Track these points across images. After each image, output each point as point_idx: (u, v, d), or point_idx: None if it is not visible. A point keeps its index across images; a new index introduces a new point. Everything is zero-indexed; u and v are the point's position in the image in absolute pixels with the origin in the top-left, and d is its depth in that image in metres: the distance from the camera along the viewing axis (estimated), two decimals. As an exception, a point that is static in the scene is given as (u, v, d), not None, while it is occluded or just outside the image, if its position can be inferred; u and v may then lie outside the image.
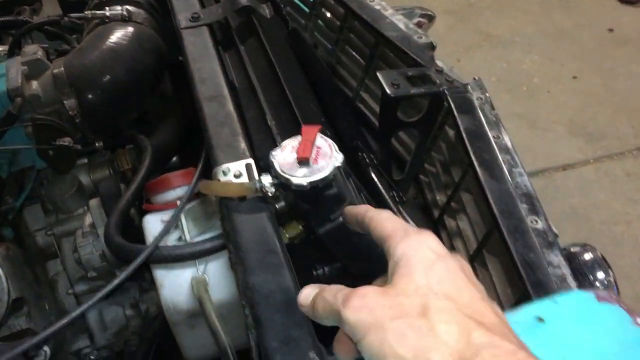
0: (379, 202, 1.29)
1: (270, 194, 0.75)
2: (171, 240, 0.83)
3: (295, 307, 0.66)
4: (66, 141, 1.04)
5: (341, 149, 0.76)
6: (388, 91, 1.41)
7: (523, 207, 1.24)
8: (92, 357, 1.07)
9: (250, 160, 0.80)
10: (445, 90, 1.41)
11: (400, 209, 1.30)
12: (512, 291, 1.19)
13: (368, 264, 0.91)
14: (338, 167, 0.75)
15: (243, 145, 0.85)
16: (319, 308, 0.56)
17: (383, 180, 1.36)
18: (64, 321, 0.75)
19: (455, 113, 1.38)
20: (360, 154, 1.34)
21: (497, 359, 0.45)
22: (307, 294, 0.60)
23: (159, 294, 0.80)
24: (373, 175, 1.33)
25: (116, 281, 0.75)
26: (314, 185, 0.74)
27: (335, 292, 0.55)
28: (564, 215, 2.63)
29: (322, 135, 0.78)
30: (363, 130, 1.58)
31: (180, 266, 0.81)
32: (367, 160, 1.35)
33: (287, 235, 0.84)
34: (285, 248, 0.73)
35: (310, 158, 0.75)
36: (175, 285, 0.80)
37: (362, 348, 0.49)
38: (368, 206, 0.70)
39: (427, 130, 1.58)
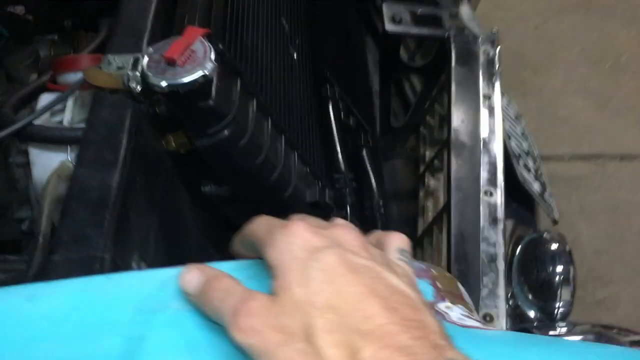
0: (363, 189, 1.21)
1: (135, 91, 0.71)
2: (52, 122, 0.81)
3: (105, 208, 0.63)
4: (18, 10, 1.03)
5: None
6: (386, 26, 1.31)
7: (483, 177, 1.15)
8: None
9: (139, 55, 0.75)
10: (450, 36, 1.29)
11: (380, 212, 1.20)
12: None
13: (257, 193, 0.86)
14: (206, 75, 0.69)
15: (147, 33, 0.81)
16: (205, 309, 0.48)
17: (375, 166, 1.26)
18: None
19: (453, 63, 1.27)
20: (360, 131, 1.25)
21: None
22: (190, 280, 0.49)
23: (31, 171, 0.80)
24: (365, 159, 1.24)
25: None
26: (173, 89, 0.69)
27: (223, 294, 0.47)
28: (604, 207, 2.43)
29: (204, 40, 0.72)
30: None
31: (56, 149, 0.79)
32: (363, 140, 1.26)
33: (173, 144, 0.80)
34: (133, 149, 0.69)
35: (179, 60, 0.70)
36: (46, 166, 0.78)
37: None
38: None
39: (432, 78, 1.47)
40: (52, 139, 0.78)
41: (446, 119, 1.23)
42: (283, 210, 0.87)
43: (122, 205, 0.64)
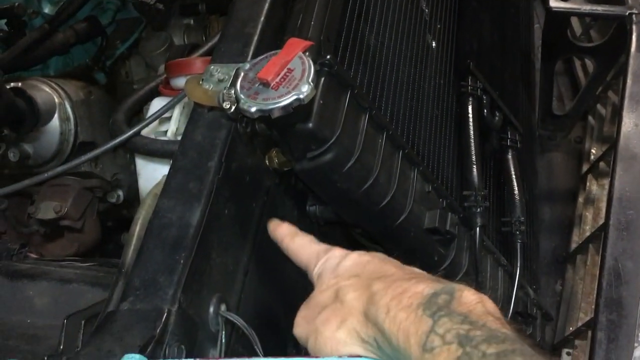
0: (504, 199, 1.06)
1: (228, 112, 0.64)
2: (159, 131, 0.78)
3: (181, 251, 0.58)
4: (150, -2, 1.01)
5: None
6: (550, 2, 1.14)
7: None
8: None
9: (242, 65, 0.68)
10: (634, 16, 1.09)
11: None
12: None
13: (364, 220, 0.77)
14: (301, 99, 0.60)
15: (255, 38, 0.73)
16: None
17: (521, 171, 1.10)
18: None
19: (633, 48, 1.08)
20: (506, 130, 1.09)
21: (386, 291, 0.52)
22: None
23: (138, 182, 0.78)
24: (510, 163, 1.08)
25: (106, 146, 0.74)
26: (263, 115, 0.61)
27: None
28: None
29: (304, 57, 0.63)
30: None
31: (161, 161, 0.76)
32: (509, 140, 1.10)
33: (275, 161, 0.74)
34: (222, 177, 0.63)
35: (272, 81, 0.62)
36: (150, 178, 0.76)
37: (311, 352, 0.57)
38: (288, 230, 0.66)
39: (606, 62, 1.27)
40: (154, 152, 0.75)
41: (617, 119, 1.04)
42: (395, 236, 0.78)
43: (201, 245, 0.59)
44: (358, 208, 0.73)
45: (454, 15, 1.08)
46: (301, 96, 0.60)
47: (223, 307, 0.61)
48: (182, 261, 0.57)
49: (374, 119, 0.74)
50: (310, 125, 0.65)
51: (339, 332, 0.55)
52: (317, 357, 0.56)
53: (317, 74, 0.64)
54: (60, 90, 1.06)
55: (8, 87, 0.97)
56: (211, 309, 0.59)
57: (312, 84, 0.61)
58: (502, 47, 1.23)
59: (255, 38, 0.74)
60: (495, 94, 1.07)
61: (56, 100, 1.05)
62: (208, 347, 0.59)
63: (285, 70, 0.62)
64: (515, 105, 1.17)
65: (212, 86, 0.67)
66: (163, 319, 0.53)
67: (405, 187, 0.78)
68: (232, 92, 0.64)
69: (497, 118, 1.07)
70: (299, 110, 0.62)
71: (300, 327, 0.59)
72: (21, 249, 0.96)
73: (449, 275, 0.87)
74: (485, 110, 1.04)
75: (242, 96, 0.62)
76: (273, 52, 0.65)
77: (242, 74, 0.65)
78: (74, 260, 0.89)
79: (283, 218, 0.75)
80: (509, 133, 1.10)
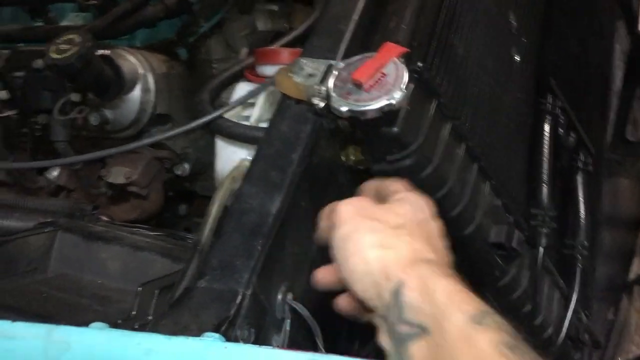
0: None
1: (317, 107, 0.66)
2: (242, 116, 0.80)
3: (259, 237, 0.60)
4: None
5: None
6: (639, 27, 1.12)
7: None
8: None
9: (332, 65, 0.69)
10: None
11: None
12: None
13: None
14: (392, 104, 0.61)
15: (347, 36, 0.75)
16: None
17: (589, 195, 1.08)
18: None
19: None
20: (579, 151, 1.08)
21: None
22: None
23: (215, 162, 0.80)
24: (578, 186, 1.06)
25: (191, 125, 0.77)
26: (353, 115, 0.63)
27: None
28: None
29: (399, 62, 0.64)
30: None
31: (240, 145, 0.78)
32: (582, 162, 1.09)
33: (352, 158, 0.75)
34: (303, 170, 0.65)
35: (366, 83, 0.63)
36: (229, 160, 0.78)
37: (335, 240, 0.57)
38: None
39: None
40: (236, 136, 0.77)
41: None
42: (460, 246, 0.79)
43: (278, 234, 0.61)
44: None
45: (540, 30, 1.07)
46: (393, 102, 0.62)
47: (290, 296, 0.63)
48: (259, 247, 0.59)
49: (456, 130, 0.74)
50: (396, 129, 0.66)
51: (374, 244, 0.55)
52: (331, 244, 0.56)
53: (415, 78, 0.65)
54: (144, 62, 1.10)
55: (97, 54, 1.01)
56: (279, 297, 0.61)
57: (404, 91, 0.62)
58: (584, 65, 1.21)
59: (348, 36, 0.75)
60: (573, 114, 1.06)
61: (140, 71, 1.09)
62: (272, 334, 0.61)
63: (380, 74, 0.63)
64: (589, 126, 1.16)
65: (301, 79, 0.69)
66: (237, 301, 0.55)
67: (476, 199, 0.78)
68: (324, 88, 0.66)
69: (571, 138, 1.06)
70: (388, 115, 0.63)
71: (340, 217, 0.58)
72: (93, 210, 1.00)
73: (508, 291, 0.87)
74: (560, 130, 1.03)
75: (334, 94, 0.64)
76: (369, 54, 0.66)
77: (335, 72, 0.66)
78: (144, 227, 0.92)
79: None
80: (581, 155, 1.08)
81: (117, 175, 1.11)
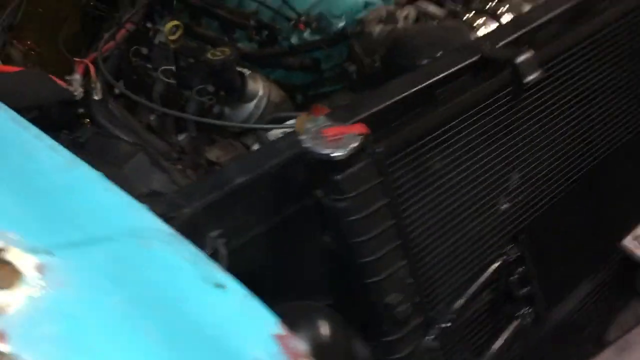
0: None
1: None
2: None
3: (217, 190, 0.95)
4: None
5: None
6: None
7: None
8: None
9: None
10: None
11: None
12: None
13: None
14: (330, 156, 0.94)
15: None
16: None
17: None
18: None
19: None
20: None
21: None
22: None
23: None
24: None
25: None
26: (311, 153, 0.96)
27: None
28: None
29: (358, 136, 0.97)
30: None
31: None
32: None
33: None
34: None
35: (327, 137, 0.96)
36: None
37: None
38: None
39: None
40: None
41: None
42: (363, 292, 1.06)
43: (230, 197, 0.95)
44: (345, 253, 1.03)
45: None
46: (332, 154, 0.94)
47: (221, 240, 0.95)
48: (209, 196, 0.93)
49: (390, 208, 1.03)
50: (338, 177, 0.98)
51: None
52: None
53: (363, 151, 0.96)
54: (266, 89, 1.52)
55: (237, 68, 1.45)
56: (211, 235, 0.94)
57: (344, 153, 0.94)
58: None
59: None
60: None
61: (260, 92, 1.51)
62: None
63: (339, 137, 0.96)
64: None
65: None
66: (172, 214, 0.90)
67: (388, 264, 1.05)
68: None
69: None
70: (333, 164, 0.95)
71: None
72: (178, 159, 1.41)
73: (390, 351, 1.10)
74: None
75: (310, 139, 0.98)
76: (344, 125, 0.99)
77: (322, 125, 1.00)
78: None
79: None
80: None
81: (213, 154, 1.53)
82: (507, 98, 1.21)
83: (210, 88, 1.47)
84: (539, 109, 1.26)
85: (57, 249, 0.63)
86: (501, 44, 1.29)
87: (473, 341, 1.22)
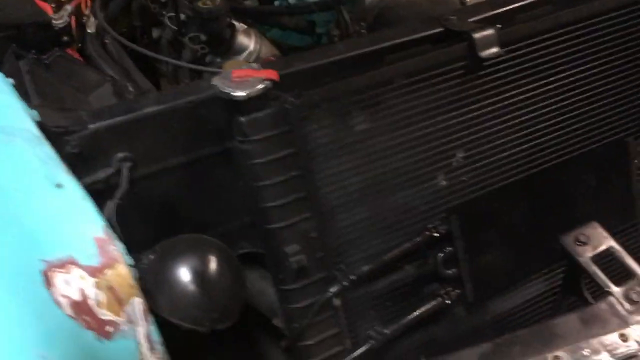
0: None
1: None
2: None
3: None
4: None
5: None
6: None
7: None
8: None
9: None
10: None
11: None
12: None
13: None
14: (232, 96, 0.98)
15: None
16: None
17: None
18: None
19: None
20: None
21: None
22: None
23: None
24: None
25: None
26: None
27: None
28: None
29: (266, 81, 1.00)
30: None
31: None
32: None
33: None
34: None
35: (234, 77, 1.00)
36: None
37: None
38: None
39: None
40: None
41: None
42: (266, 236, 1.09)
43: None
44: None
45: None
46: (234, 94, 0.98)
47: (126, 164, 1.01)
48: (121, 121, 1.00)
49: (296, 159, 1.06)
50: (241, 119, 1.01)
51: None
52: None
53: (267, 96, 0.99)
54: (258, 44, 1.56)
55: (227, 19, 1.50)
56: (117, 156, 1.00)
57: (244, 95, 0.98)
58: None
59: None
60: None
61: (251, 47, 1.56)
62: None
63: (246, 80, 1.00)
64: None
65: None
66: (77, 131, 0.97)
67: (291, 213, 1.08)
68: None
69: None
70: (236, 104, 0.99)
71: None
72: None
73: (289, 300, 1.13)
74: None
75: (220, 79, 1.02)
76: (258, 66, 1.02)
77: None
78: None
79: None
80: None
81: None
82: (460, 72, 1.18)
83: (202, 37, 1.54)
84: (495, 91, 1.22)
85: None
86: (473, 19, 1.26)
87: (389, 311, 1.22)
